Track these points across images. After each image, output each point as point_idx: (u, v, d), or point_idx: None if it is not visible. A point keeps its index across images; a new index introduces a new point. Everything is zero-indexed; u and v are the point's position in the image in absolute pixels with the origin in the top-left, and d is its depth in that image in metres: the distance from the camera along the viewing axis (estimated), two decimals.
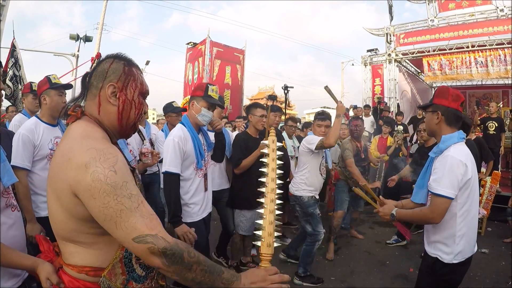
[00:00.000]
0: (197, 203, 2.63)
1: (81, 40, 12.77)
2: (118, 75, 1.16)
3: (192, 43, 12.30)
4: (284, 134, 5.14)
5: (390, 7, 11.86)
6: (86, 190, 0.96)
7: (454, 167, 1.84)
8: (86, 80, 1.19)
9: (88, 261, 1.08)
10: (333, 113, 3.48)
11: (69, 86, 2.68)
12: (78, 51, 12.79)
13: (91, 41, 12.90)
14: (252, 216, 3.53)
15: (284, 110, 5.89)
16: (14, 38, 6.57)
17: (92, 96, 1.16)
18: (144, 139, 2.61)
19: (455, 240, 1.92)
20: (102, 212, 0.95)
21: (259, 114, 3.50)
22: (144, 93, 1.24)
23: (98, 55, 7.09)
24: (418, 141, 6.35)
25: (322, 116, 3.59)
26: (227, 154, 3.53)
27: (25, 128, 2.40)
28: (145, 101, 1.27)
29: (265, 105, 3.70)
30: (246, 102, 14.08)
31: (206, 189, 2.73)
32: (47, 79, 2.55)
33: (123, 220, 0.96)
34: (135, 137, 3.09)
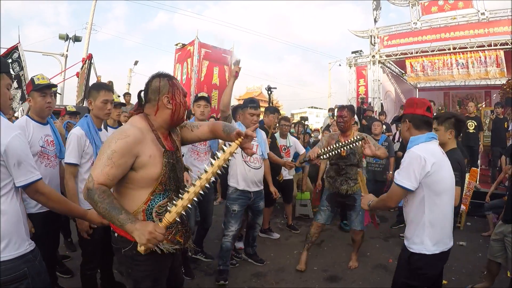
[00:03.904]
0: None
1: (71, 40, 12.75)
2: (167, 89, 1.73)
3: (181, 44, 12.37)
4: (277, 134, 5.11)
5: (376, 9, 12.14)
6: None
7: (412, 161, 2.02)
8: (141, 95, 1.78)
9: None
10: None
11: (51, 86, 2.62)
12: (67, 51, 12.77)
13: (80, 41, 12.88)
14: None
15: None
16: (19, 43, 6.76)
17: (151, 105, 1.74)
18: None
19: (424, 231, 2.06)
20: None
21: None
22: (185, 94, 1.80)
23: (90, 56, 7.18)
24: (401, 140, 6.60)
25: (254, 105, 3.49)
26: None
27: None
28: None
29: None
30: (234, 102, 14.20)
31: None
32: (31, 80, 2.58)
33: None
34: None
